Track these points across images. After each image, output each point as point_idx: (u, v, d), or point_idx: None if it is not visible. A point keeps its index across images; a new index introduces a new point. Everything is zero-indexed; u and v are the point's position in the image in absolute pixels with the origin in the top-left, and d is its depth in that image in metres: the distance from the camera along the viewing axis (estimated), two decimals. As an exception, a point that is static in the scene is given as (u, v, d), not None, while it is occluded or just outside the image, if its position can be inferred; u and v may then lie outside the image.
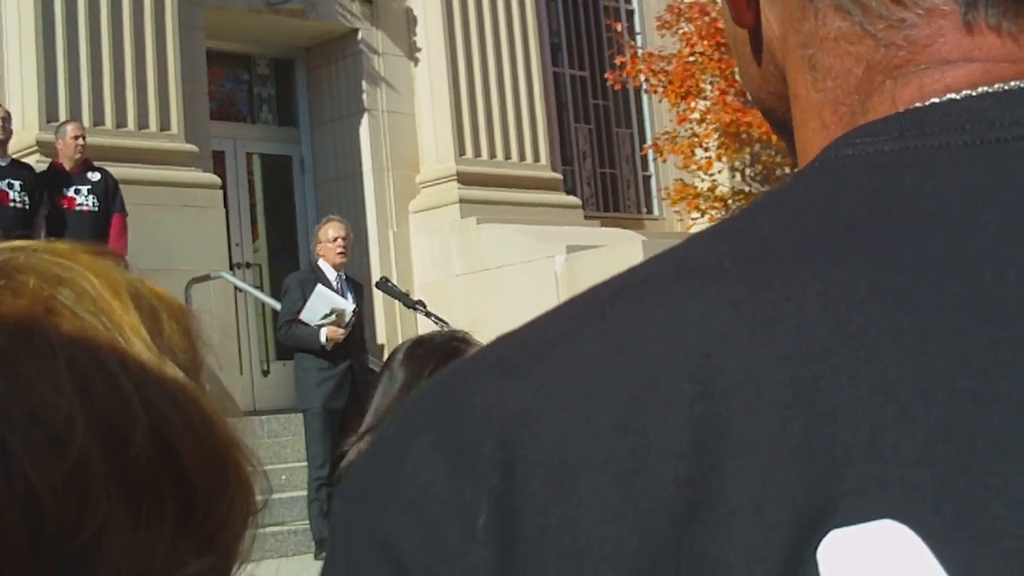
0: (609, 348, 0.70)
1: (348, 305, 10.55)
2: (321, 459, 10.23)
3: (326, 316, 10.39)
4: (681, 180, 18.17)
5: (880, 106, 0.77)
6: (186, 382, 1.02)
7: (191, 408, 1.00)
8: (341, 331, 10.40)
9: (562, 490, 0.67)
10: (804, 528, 0.64)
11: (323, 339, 10.37)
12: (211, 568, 0.98)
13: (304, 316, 10.41)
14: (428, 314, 9.90)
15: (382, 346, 14.77)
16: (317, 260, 10.96)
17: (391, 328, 15.05)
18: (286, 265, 15.01)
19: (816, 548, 0.64)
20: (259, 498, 1.05)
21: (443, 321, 9.55)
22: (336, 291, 10.69)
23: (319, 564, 9.54)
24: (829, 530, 0.64)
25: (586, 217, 17.07)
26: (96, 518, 0.91)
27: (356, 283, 11.18)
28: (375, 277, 12.50)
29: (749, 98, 0.94)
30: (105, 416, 0.94)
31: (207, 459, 0.99)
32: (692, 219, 17.93)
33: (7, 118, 11.38)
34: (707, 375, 0.68)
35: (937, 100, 0.75)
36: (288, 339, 10.74)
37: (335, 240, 10.86)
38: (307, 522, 10.32)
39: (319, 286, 10.53)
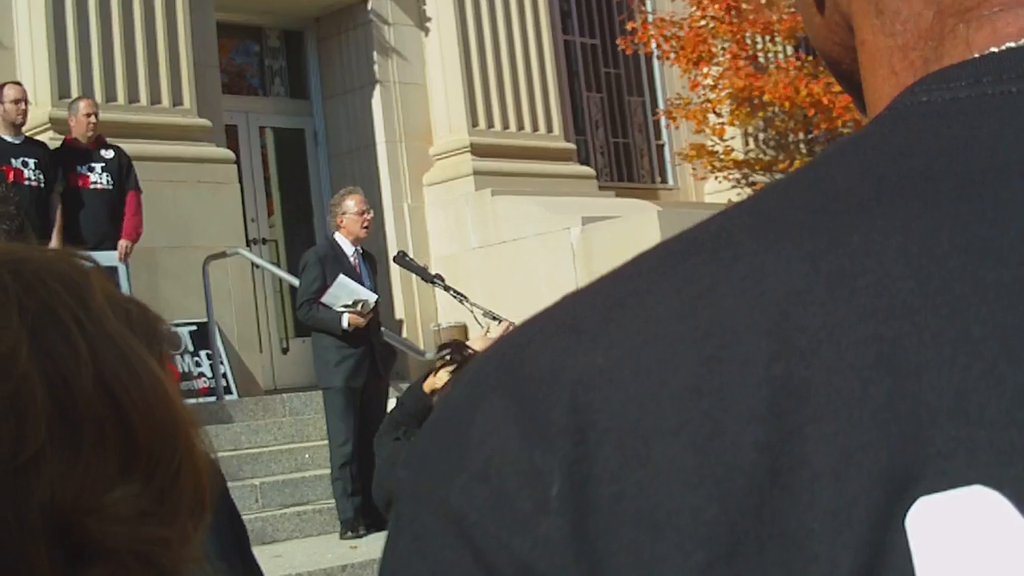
0: (681, 307, 0.67)
1: (371, 295, 10.50)
2: (344, 437, 10.20)
3: (348, 305, 10.36)
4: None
5: (954, 51, 0.73)
6: (144, 353, 1.10)
7: (143, 372, 1.09)
8: (363, 319, 10.36)
9: (636, 456, 0.64)
10: (890, 494, 0.61)
11: (345, 324, 10.31)
12: (146, 500, 1.04)
13: (326, 300, 10.37)
14: (446, 288, 9.91)
15: (400, 321, 14.79)
16: (334, 233, 10.89)
17: (409, 303, 15.05)
18: (302, 240, 15.02)
19: (904, 516, 0.61)
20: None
21: (461, 295, 9.56)
22: (353, 266, 10.64)
23: (344, 544, 9.61)
24: (917, 497, 0.61)
25: (600, 187, 17.06)
26: (33, 443, 0.99)
27: (371, 257, 11.12)
28: (391, 251, 12.52)
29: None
30: (51, 356, 1.02)
31: (154, 420, 1.07)
32: (709, 173, 17.84)
33: (24, 100, 11.35)
34: (785, 334, 0.65)
35: (1013, 44, 0.71)
36: (309, 321, 10.67)
37: (362, 214, 10.74)
38: (331, 501, 10.31)
39: (341, 276, 10.45)
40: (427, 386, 6.20)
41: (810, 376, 0.64)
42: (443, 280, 9.72)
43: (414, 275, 10.55)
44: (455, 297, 9.39)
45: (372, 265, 10.99)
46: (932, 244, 0.66)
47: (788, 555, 0.61)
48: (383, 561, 0.72)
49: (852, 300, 0.65)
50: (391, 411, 6.27)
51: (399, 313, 14.99)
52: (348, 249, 10.73)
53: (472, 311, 9.44)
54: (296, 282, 11.17)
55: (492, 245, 14.91)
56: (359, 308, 10.33)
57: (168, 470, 1.07)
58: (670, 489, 0.63)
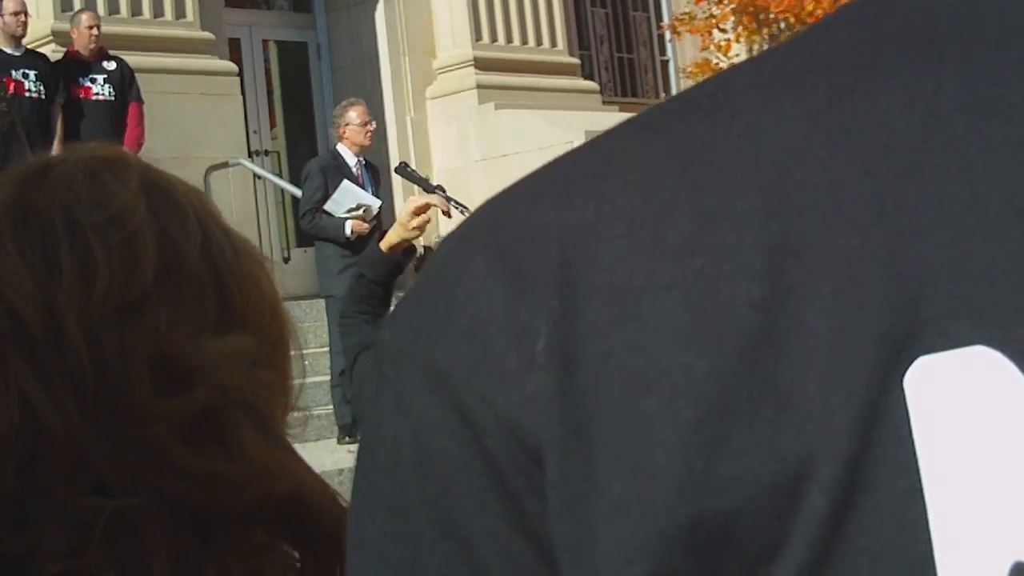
0: (676, 164, 0.65)
1: (374, 201, 10.50)
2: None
3: (351, 210, 10.35)
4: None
5: None
6: (246, 243, 1.26)
7: (243, 253, 1.23)
8: (366, 225, 10.36)
9: (626, 314, 0.62)
10: (889, 355, 0.59)
11: (348, 232, 10.31)
12: (246, 351, 1.15)
13: (329, 207, 10.37)
14: (448, 199, 9.86)
15: (401, 233, 14.73)
16: (336, 144, 10.88)
17: (410, 215, 15.00)
18: (304, 152, 14.96)
19: (903, 376, 0.59)
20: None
21: (463, 206, 9.52)
22: (356, 176, 10.63)
23: (342, 448, 9.66)
24: (916, 357, 0.59)
25: (604, 102, 16.96)
26: (140, 285, 1.12)
27: (374, 168, 11.12)
28: (393, 163, 12.45)
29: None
30: (161, 221, 1.16)
31: (251, 294, 1.20)
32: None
33: (24, 12, 11.28)
34: (783, 191, 0.63)
35: None
36: (312, 229, 10.68)
37: (365, 124, 10.78)
38: (330, 407, 10.34)
39: (345, 181, 10.46)
40: (383, 244, 5.75)
41: (808, 234, 0.62)
42: (444, 191, 9.65)
43: (416, 186, 10.51)
44: (457, 208, 9.35)
45: (375, 176, 10.99)
46: (937, 102, 0.64)
47: (782, 415, 0.59)
48: (366, 425, 0.70)
49: (853, 158, 0.63)
50: (351, 287, 5.85)
51: (401, 226, 14.95)
52: (351, 160, 10.73)
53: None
54: (298, 192, 11.17)
55: (495, 159, 14.85)
56: (362, 214, 10.32)
57: (268, 334, 1.20)
58: (661, 346, 0.61)
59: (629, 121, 0.70)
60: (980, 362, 0.59)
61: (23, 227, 1.14)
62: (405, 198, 14.70)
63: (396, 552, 0.66)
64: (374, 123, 10.98)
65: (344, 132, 10.80)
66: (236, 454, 1.11)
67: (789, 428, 0.59)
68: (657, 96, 19.41)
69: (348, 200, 10.37)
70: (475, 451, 0.64)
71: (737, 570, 0.59)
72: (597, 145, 0.69)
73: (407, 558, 0.66)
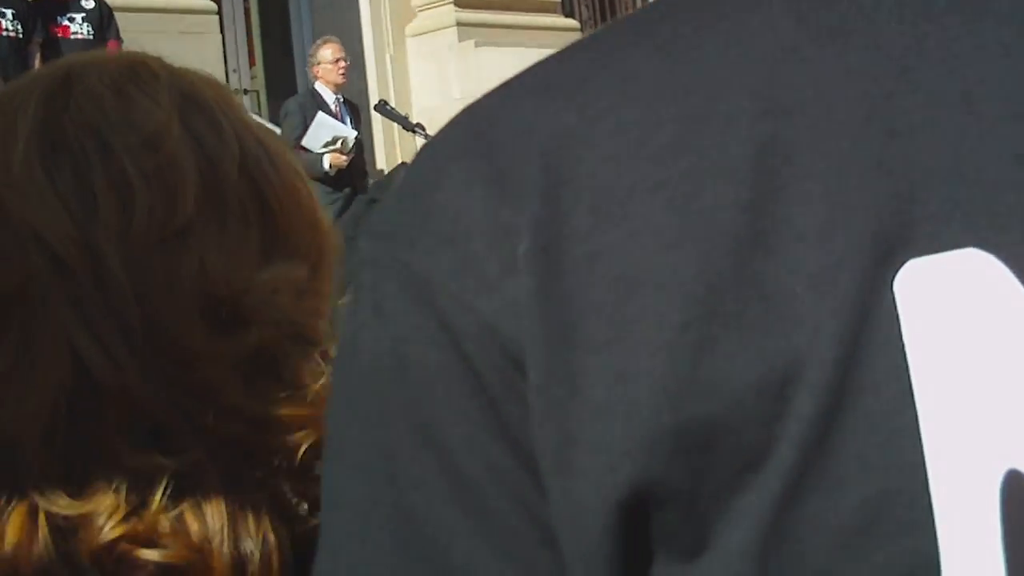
0: (661, 66, 0.63)
1: (350, 132, 10.49)
2: (325, 281, 10.23)
3: (328, 144, 10.33)
4: None
5: None
6: (281, 145, 1.18)
7: (281, 163, 1.15)
8: (344, 158, 10.34)
9: (611, 217, 0.61)
10: (878, 257, 0.58)
11: (326, 166, 10.31)
12: (295, 278, 1.09)
13: (306, 143, 10.36)
14: (427, 137, 9.83)
15: (381, 171, 14.70)
16: (314, 83, 10.86)
17: (390, 152, 14.95)
18: (284, 91, 14.86)
19: (892, 279, 0.58)
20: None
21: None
22: (335, 114, 10.61)
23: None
24: (907, 259, 0.58)
25: (585, 39, 16.88)
26: (183, 215, 1.05)
27: (354, 106, 11.12)
28: (373, 102, 12.42)
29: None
30: (199, 138, 1.09)
31: (293, 208, 1.13)
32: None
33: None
34: (770, 92, 0.61)
35: None
36: None
37: (337, 61, 10.78)
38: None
39: (320, 113, 10.45)
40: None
41: (797, 135, 0.60)
42: (424, 129, 9.65)
43: (395, 124, 10.49)
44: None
45: (355, 114, 10.98)
46: (928, 2, 0.63)
47: (769, 318, 0.58)
48: (344, 334, 0.69)
49: (842, 58, 0.62)
50: (362, 213, 5.92)
51: (380, 163, 14.91)
52: (329, 98, 10.72)
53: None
54: (278, 131, 11.12)
55: (475, 96, 14.71)
56: (339, 146, 10.30)
57: (310, 254, 1.13)
58: (646, 250, 0.60)
59: (612, 24, 0.69)
60: (972, 265, 0.58)
61: (53, 157, 1.06)
62: (386, 137, 14.73)
63: (374, 462, 0.65)
64: (347, 61, 10.98)
65: (318, 71, 10.82)
66: (293, 391, 1.06)
67: (777, 331, 0.58)
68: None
69: (324, 133, 10.35)
70: (454, 357, 0.62)
71: (723, 476, 0.58)
72: (580, 47, 0.68)
73: (386, 466, 0.64)
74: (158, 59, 1.17)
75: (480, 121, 0.66)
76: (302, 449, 1.04)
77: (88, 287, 1.02)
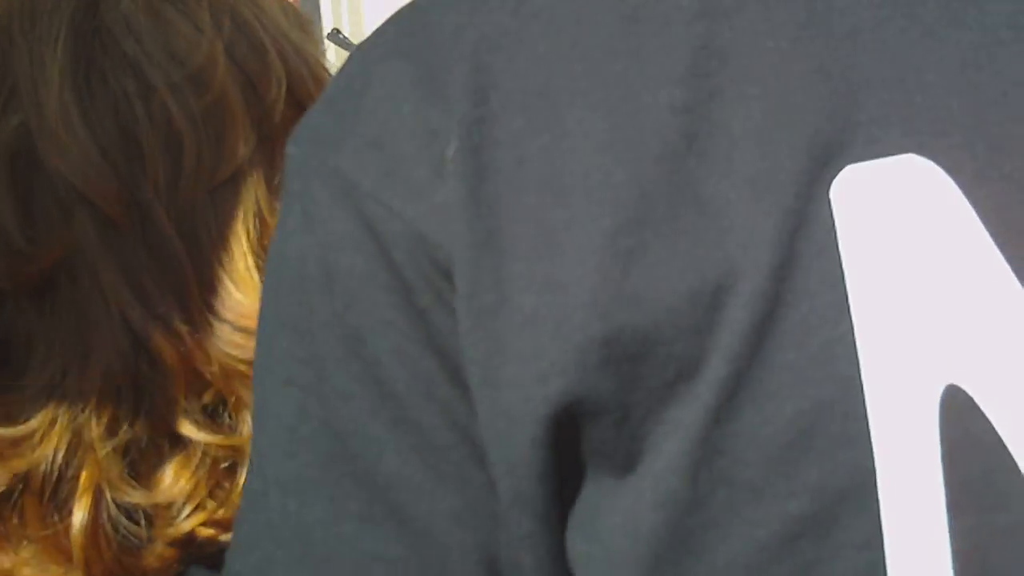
0: None
1: None
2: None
3: None
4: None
5: None
6: (314, 48, 1.06)
7: (320, 73, 1.03)
8: None
9: (542, 119, 0.59)
10: (816, 162, 0.57)
11: None
12: None
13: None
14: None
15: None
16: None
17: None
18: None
19: (829, 185, 0.57)
20: None
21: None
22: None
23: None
24: (844, 165, 0.57)
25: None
26: (234, 160, 0.95)
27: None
28: (326, 30, 12.35)
29: None
30: (243, 66, 0.97)
31: None
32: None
33: None
34: None
35: None
36: None
37: (286, -11, 10.73)
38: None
39: None
40: None
41: (734, 36, 0.59)
42: (378, 60, 9.61)
43: (348, 53, 10.44)
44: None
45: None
46: None
47: (702, 223, 0.56)
48: (272, 244, 0.67)
49: None
50: None
51: (334, 94, 14.88)
52: (281, 27, 10.67)
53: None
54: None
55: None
56: None
57: None
58: (577, 153, 0.58)
59: None
60: (911, 171, 0.56)
61: (91, 102, 0.94)
62: (340, 64, 14.69)
63: (302, 374, 0.63)
64: None
65: (269, -1, 10.76)
66: None
67: (710, 238, 0.56)
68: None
69: None
70: (382, 265, 0.60)
71: (656, 387, 0.56)
72: None
73: (313, 379, 0.63)
74: None
75: (411, 23, 0.64)
76: None
77: (140, 252, 0.93)
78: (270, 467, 0.65)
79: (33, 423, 0.92)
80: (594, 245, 0.57)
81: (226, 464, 0.94)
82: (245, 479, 0.67)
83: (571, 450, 0.58)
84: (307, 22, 1.08)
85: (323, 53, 1.08)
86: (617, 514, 0.57)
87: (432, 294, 0.60)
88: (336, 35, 10.17)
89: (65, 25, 0.96)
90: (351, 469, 0.62)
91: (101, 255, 0.93)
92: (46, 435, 0.92)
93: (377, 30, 0.66)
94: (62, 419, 0.92)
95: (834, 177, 0.56)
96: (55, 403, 0.92)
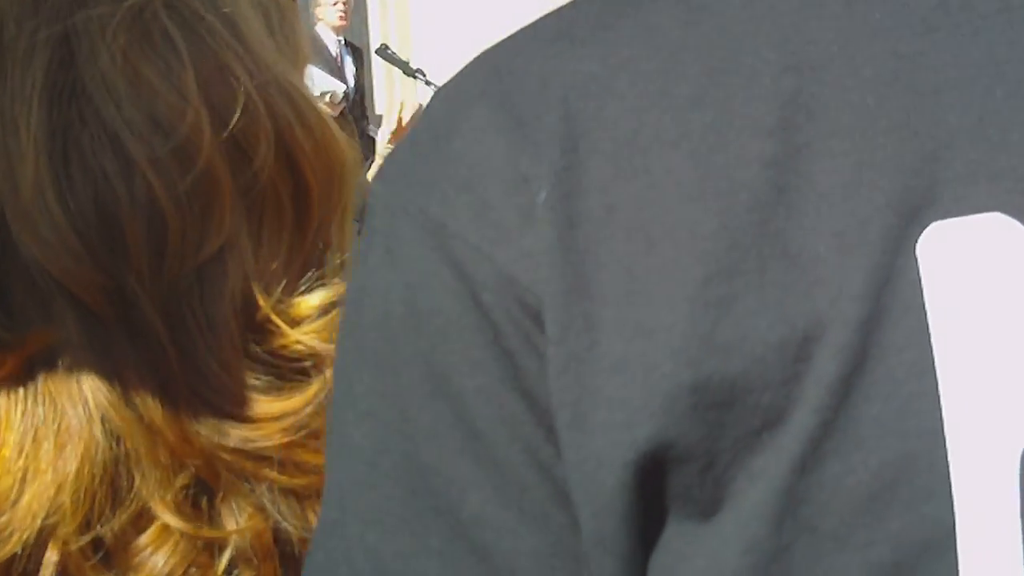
0: (684, 16, 0.62)
1: (339, 85, 10.42)
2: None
3: (318, 96, 10.29)
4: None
5: None
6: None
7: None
8: (332, 111, 10.31)
9: (631, 168, 0.59)
10: (902, 218, 0.57)
11: None
12: (338, 299, 0.94)
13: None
14: (428, 83, 9.80)
15: (380, 116, 14.64)
16: (314, 26, 10.80)
17: (390, 97, 14.90)
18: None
19: (916, 241, 0.57)
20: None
21: (443, 89, 9.44)
22: (335, 58, 10.55)
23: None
24: (930, 221, 0.57)
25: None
26: (220, 234, 0.89)
27: (356, 48, 11.04)
28: (375, 46, 12.37)
29: None
30: (230, 127, 0.90)
31: (323, 167, 0.96)
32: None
33: None
34: (795, 47, 0.60)
35: None
36: None
37: (335, 3, 10.70)
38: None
39: (309, 66, 10.41)
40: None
41: (821, 91, 0.59)
42: (425, 75, 9.59)
43: (396, 69, 10.44)
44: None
45: (358, 57, 10.90)
46: None
47: (791, 276, 0.57)
48: (353, 279, 0.68)
49: (868, 15, 0.61)
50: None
51: (379, 108, 14.86)
52: (330, 40, 10.64)
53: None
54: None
55: (480, 43, 14.70)
56: (327, 100, 10.27)
57: (333, 218, 0.98)
58: (667, 202, 0.59)
59: None
60: (995, 229, 0.57)
61: (67, 177, 0.88)
62: (387, 80, 14.67)
63: (386, 410, 0.64)
64: (344, 2, 10.87)
65: (318, 13, 10.73)
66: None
67: (798, 290, 0.57)
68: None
69: (312, 88, 10.33)
70: (470, 306, 0.61)
71: (742, 435, 0.57)
72: None
73: (397, 415, 0.63)
74: (167, 3, 0.94)
75: (497, 68, 0.65)
76: None
77: (123, 344, 0.89)
78: (349, 498, 0.65)
79: (3, 519, 0.88)
80: (684, 293, 0.58)
81: (202, 545, 0.91)
82: (322, 509, 0.67)
83: (655, 494, 0.58)
84: (290, 32, 1.03)
85: (305, 70, 1.05)
86: (700, 558, 0.58)
87: (520, 336, 0.60)
88: (384, 50, 10.15)
89: (39, 82, 0.90)
90: (433, 504, 0.62)
91: (82, 350, 0.89)
92: (16, 529, 0.88)
93: (462, 72, 0.67)
94: (35, 511, 0.88)
95: (920, 233, 0.57)
96: (28, 495, 0.88)
